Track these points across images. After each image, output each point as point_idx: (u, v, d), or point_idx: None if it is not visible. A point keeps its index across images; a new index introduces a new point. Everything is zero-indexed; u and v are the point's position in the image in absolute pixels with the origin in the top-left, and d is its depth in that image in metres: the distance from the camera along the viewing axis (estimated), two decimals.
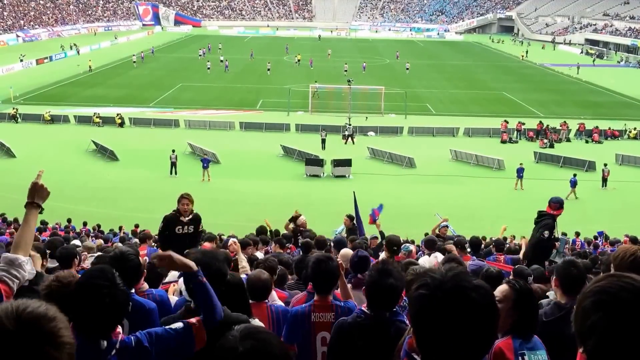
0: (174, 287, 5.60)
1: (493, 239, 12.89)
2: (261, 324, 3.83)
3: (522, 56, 79.51)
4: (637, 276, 1.65)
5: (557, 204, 8.31)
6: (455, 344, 1.72)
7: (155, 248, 10.81)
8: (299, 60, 67.54)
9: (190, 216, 8.51)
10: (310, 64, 65.82)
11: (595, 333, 1.57)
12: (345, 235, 11.73)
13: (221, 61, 64.95)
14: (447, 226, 13.05)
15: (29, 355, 1.52)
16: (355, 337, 3.52)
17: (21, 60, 63.51)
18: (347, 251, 6.33)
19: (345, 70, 59.46)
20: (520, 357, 3.36)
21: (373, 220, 13.39)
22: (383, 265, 3.76)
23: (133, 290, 4.28)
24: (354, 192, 15.69)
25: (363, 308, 3.68)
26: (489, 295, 1.78)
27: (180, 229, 8.46)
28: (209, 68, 61.33)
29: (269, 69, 60.85)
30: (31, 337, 1.54)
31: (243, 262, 6.36)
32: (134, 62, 64.83)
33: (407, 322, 3.47)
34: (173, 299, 5.02)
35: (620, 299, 1.57)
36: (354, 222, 13.48)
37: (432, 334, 1.74)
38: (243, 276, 5.06)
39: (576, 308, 1.67)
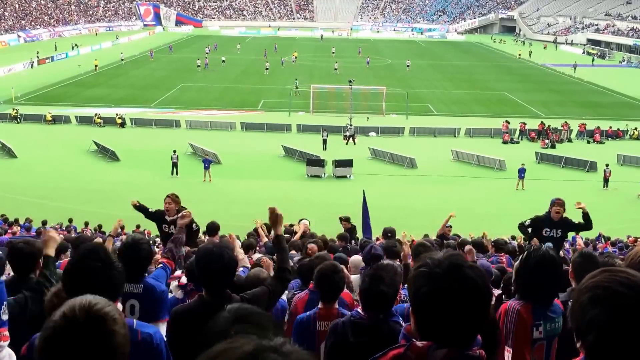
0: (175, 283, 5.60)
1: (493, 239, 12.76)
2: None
3: (519, 54, 79.69)
4: (632, 271, 1.66)
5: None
6: (451, 320, 1.86)
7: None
8: (295, 58, 68.45)
9: (176, 217, 8.55)
10: (282, 63, 65.80)
11: (595, 328, 1.59)
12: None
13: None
14: (451, 226, 12.70)
15: (92, 346, 1.67)
16: (348, 334, 3.57)
17: (37, 57, 64.62)
18: (357, 258, 6.27)
19: (335, 69, 60.64)
20: (535, 328, 3.48)
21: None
22: (375, 271, 3.75)
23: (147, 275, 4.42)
24: (363, 191, 15.62)
25: (358, 310, 3.71)
26: (483, 275, 1.94)
27: (167, 228, 8.67)
28: (198, 66, 62.13)
29: (267, 68, 61.00)
30: (96, 330, 1.69)
31: (240, 254, 6.33)
32: (122, 59, 66.59)
33: (402, 322, 3.51)
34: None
35: (617, 293, 1.59)
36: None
37: (430, 311, 1.89)
38: (240, 269, 5.10)
39: (572, 304, 1.70)
